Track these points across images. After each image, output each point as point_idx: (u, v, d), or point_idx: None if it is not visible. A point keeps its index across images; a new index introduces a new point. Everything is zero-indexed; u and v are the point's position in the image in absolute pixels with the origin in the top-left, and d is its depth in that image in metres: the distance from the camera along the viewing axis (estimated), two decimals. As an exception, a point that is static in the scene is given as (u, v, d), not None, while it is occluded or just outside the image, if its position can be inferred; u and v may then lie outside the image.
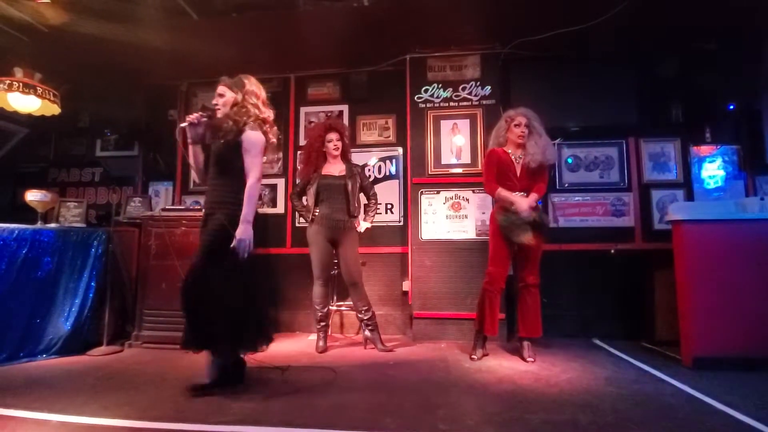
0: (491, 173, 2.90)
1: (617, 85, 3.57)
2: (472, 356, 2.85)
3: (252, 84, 2.31)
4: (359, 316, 3.16)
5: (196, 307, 2.10)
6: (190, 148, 2.27)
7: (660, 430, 1.77)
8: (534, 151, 2.82)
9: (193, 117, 2.22)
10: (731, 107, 3.65)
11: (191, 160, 2.30)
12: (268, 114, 2.32)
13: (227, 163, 2.20)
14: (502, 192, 2.84)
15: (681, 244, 2.73)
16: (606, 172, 3.76)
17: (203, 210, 2.29)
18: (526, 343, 2.86)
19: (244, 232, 2.12)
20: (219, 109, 2.26)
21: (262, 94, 2.34)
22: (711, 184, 3.66)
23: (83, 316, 3.08)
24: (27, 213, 3.25)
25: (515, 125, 2.89)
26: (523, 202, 2.76)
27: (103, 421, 1.82)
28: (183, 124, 2.22)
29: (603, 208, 3.72)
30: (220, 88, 2.28)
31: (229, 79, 2.31)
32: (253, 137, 2.20)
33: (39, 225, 3.15)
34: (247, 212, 2.14)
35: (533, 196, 2.81)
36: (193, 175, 2.32)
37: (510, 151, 2.92)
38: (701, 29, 3.42)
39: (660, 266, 3.18)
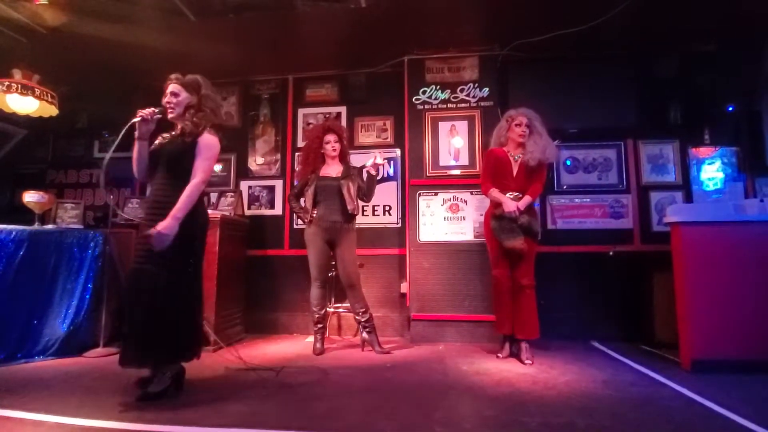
0: (487, 173, 2.91)
1: (616, 87, 3.56)
2: (498, 354, 2.94)
3: (208, 87, 2.27)
4: (357, 318, 3.15)
5: (151, 315, 2.03)
6: (137, 143, 2.20)
7: (657, 433, 1.76)
8: (533, 149, 2.81)
9: (146, 112, 2.14)
10: (731, 109, 3.64)
11: (135, 156, 2.22)
12: (222, 120, 2.31)
13: (180, 164, 2.15)
14: (493, 192, 2.85)
15: (680, 246, 2.72)
16: (604, 174, 3.75)
17: (148, 209, 2.19)
18: (524, 345, 2.85)
19: (168, 227, 2.01)
20: (172, 108, 2.20)
21: (217, 98, 2.31)
22: (710, 186, 3.65)
23: (80, 317, 3.07)
24: (25, 214, 3.25)
25: (516, 124, 2.89)
26: (510, 204, 2.75)
27: (99, 422, 1.82)
28: (135, 119, 2.15)
29: (601, 210, 3.71)
30: (175, 87, 2.21)
31: (182, 78, 2.25)
32: (210, 141, 2.19)
33: (36, 226, 3.15)
34: (178, 209, 2.05)
35: (526, 199, 2.79)
36: (134, 170, 2.27)
37: (509, 150, 2.91)
38: (701, 30, 3.42)
39: (659, 268, 3.17)
